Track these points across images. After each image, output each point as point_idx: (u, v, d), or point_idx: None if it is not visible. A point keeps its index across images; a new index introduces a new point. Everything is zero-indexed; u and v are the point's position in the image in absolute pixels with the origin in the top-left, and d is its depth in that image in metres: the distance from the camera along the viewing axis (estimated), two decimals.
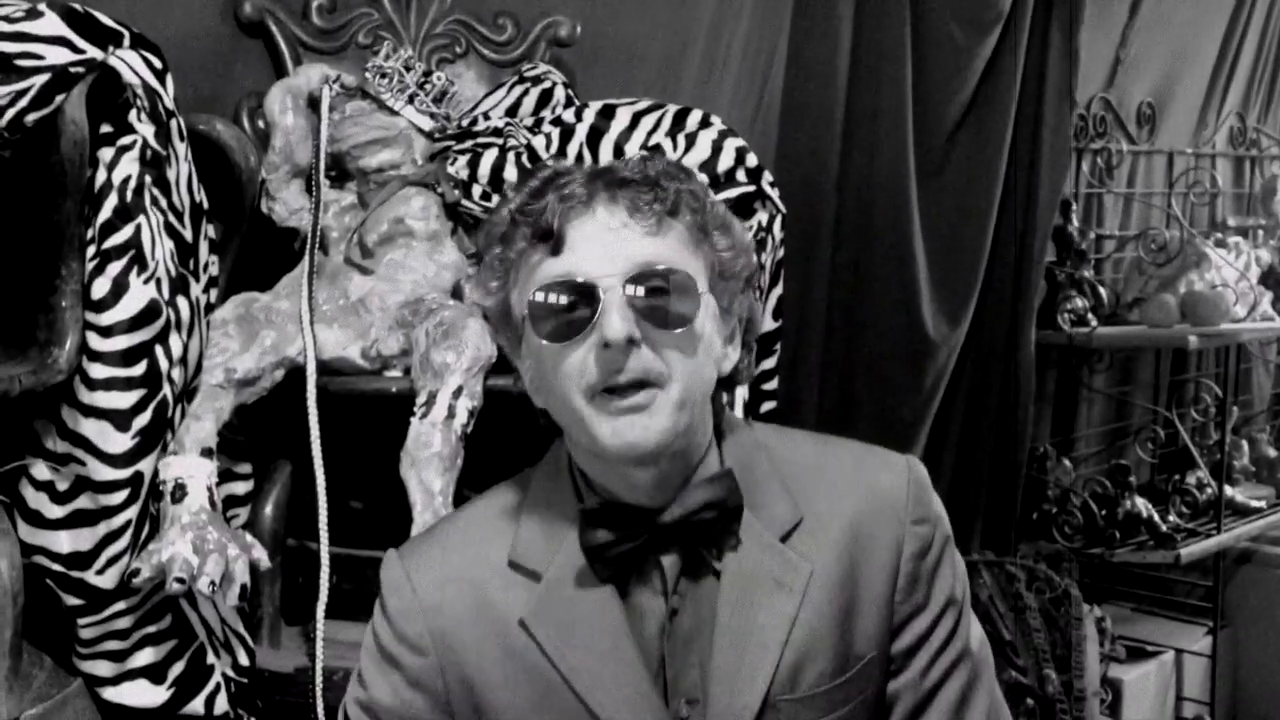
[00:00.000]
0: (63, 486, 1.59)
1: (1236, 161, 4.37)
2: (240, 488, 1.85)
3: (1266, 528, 3.89)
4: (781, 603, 1.24)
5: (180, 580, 1.55)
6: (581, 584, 1.26)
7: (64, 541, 1.58)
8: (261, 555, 1.66)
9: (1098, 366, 3.76)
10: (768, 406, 2.06)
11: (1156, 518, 3.50)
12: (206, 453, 1.66)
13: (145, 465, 1.59)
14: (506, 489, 1.36)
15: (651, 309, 1.19)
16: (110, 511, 1.57)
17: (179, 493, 1.62)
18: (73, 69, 1.48)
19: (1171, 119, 4.00)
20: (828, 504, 1.29)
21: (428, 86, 1.97)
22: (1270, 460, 4.20)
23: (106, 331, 1.54)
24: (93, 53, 1.51)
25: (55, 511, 1.59)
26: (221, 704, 1.74)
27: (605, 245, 1.20)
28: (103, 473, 1.56)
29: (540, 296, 1.20)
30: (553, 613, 1.26)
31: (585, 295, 1.18)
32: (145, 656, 1.68)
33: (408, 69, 1.96)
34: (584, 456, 1.27)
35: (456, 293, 1.88)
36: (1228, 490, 3.73)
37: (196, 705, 1.72)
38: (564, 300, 1.19)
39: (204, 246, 1.74)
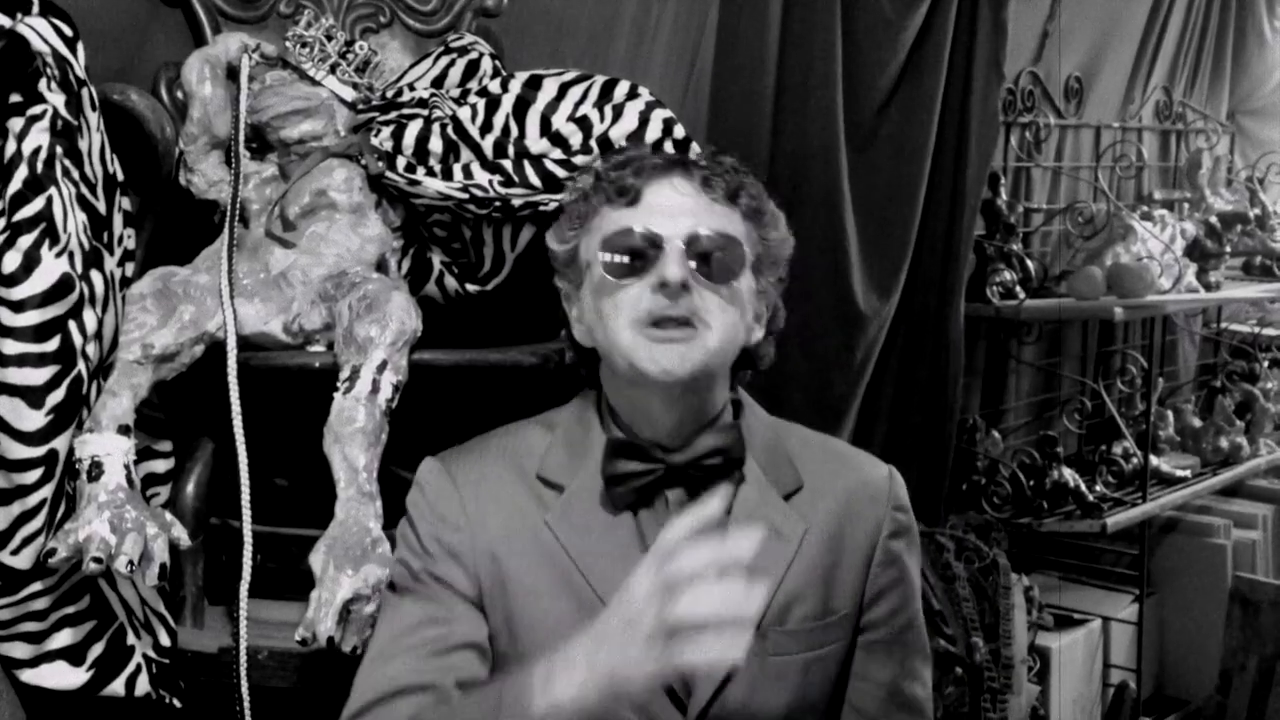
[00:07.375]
0: None
1: (1162, 135, 4.44)
2: (160, 466, 1.82)
3: (1191, 497, 3.96)
4: (779, 549, 1.45)
5: (97, 560, 1.52)
6: (598, 499, 1.47)
7: None
8: (181, 534, 1.63)
9: (1026, 339, 3.79)
10: None
11: (1083, 487, 3.55)
12: (124, 430, 1.63)
13: (60, 443, 1.55)
14: (534, 422, 1.58)
15: (704, 264, 1.42)
16: (24, 490, 1.53)
17: (95, 471, 1.58)
18: None
19: (1099, 93, 4.05)
20: (824, 480, 1.53)
21: (350, 56, 1.94)
22: (1195, 430, 4.26)
23: (18, 306, 1.49)
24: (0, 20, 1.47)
25: None
26: (143, 685, 1.71)
27: (675, 206, 1.44)
28: (16, 451, 1.52)
29: (614, 239, 1.43)
30: (572, 518, 1.46)
31: (652, 243, 1.42)
32: (63, 638, 1.64)
33: (329, 38, 1.93)
34: (620, 389, 1.49)
35: (381, 266, 1.85)
36: (1153, 460, 3.80)
37: (117, 687, 1.69)
38: (634, 244, 1.42)
39: (118, 219, 1.70)
